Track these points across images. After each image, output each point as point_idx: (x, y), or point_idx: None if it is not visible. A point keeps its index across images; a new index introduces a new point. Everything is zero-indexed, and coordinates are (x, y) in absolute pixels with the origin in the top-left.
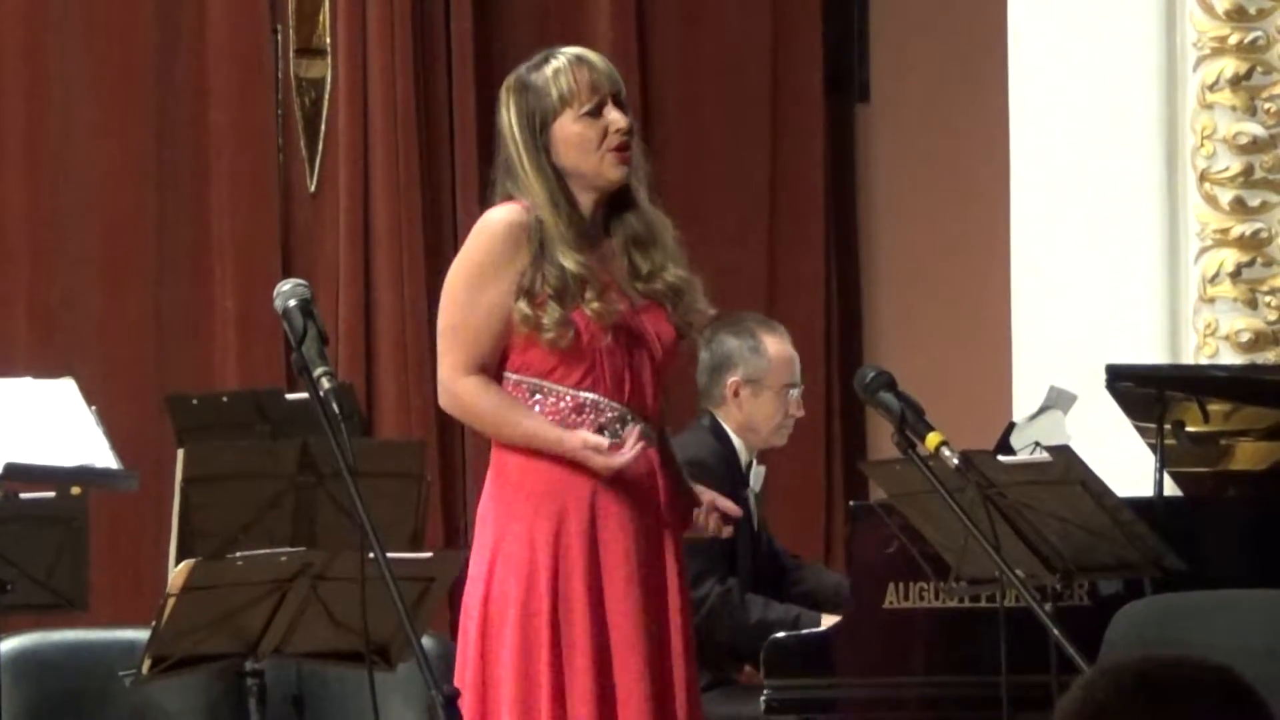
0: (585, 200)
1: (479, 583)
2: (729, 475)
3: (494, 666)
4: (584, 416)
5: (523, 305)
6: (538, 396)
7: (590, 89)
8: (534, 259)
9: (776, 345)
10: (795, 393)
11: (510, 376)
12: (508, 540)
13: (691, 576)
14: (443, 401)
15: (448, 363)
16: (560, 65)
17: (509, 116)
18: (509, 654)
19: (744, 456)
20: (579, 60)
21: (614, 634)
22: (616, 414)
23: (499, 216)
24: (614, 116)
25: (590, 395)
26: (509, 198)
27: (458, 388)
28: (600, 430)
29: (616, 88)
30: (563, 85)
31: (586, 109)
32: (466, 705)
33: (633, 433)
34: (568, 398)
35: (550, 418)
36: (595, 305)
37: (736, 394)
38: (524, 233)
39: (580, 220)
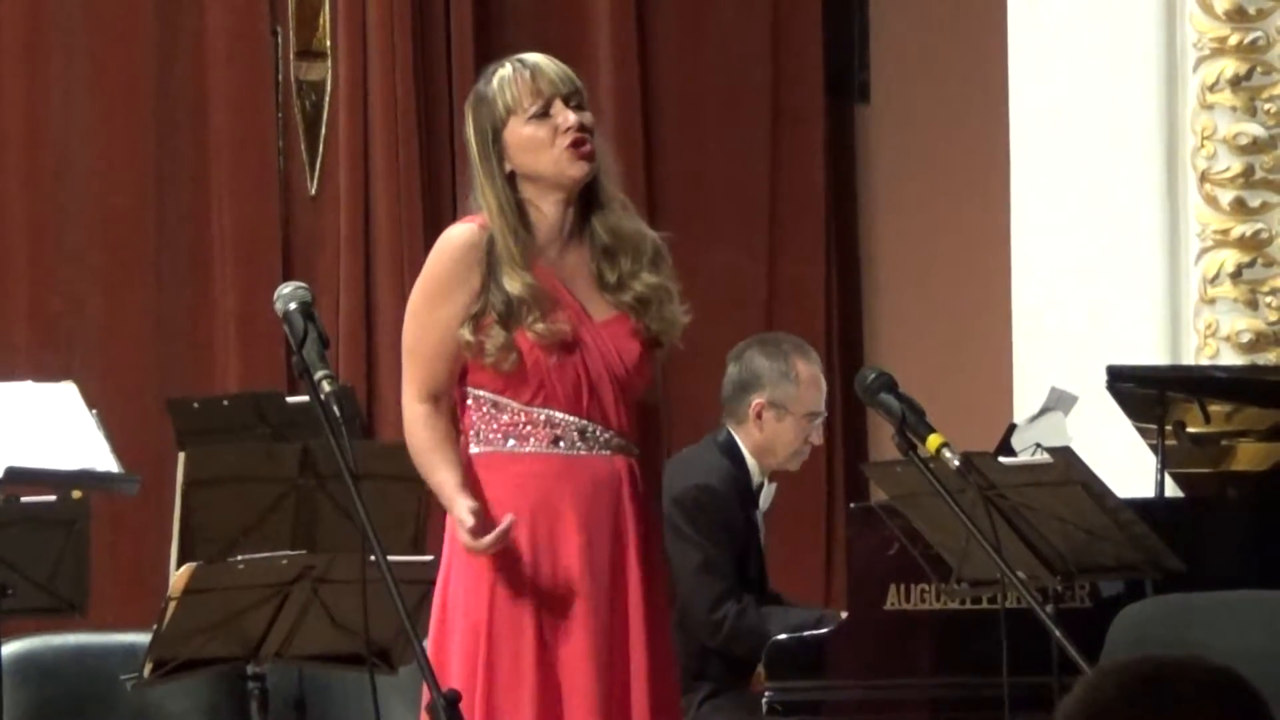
0: (551, 203)
1: (438, 590)
2: (738, 497)
3: (445, 676)
4: (539, 430)
5: (465, 332)
6: (495, 410)
7: (532, 92)
8: (484, 280)
9: (807, 370)
10: (818, 422)
11: (470, 391)
12: (460, 546)
13: (710, 601)
14: (406, 425)
15: (407, 389)
16: (504, 73)
17: (468, 132)
18: (457, 663)
19: (756, 477)
20: (522, 64)
21: (562, 644)
22: (574, 427)
23: (453, 236)
24: (561, 115)
25: (544, 411)
26: (473, 212)
27: (408, 414)
28: (555, 442)
29: (566, 89)
30: (506, 92)
31: (532, 112)
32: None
33: (505, 523)
34: (522, 414)
35: (505, 430)
36: (539, 327)
37: (760, 415)
38: (476, 253)
39: (537, 233)
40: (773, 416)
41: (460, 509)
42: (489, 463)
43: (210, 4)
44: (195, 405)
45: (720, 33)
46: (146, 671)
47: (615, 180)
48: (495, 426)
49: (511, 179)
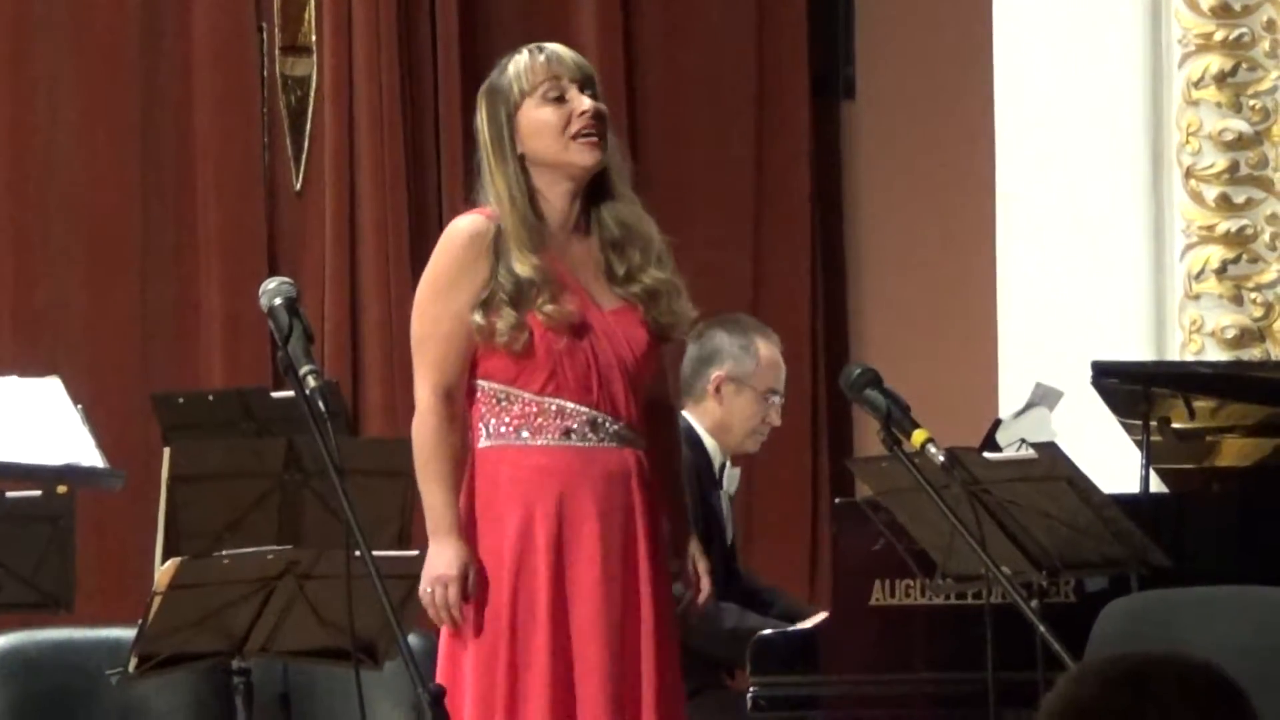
0: (559, 193)
1: None
2: (698, 481)
3: (460, 667)
4: (550, 420)
5: (477, 317)
6: (504, 403)
7: (548, 76)
8: (492, 268)
9: (767, 349)
10: (776, 400)
11: (479, 384)
12: (473, 540)
13: None
14: (416, 416)
15: (421, 380)
16: (520, 59)
17: (480, 122)
18: (471, 655)
19: (717, 458)
20: (538, 49)
21: (575, 637)
22: (585, 418)
23: (460, 226)
24: (576, 101)
25: (555, 401)
26: (478, 204)
27: (420, 405)
28: (567, 434)
29: (581, 75)
30: (523, 76)
31: (548, 95)
32: None
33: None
34: (533, 404)
35: (516, 423)
36: (548, 308)
37: (719, 389)
38: (483, 242)
39: (546, 219)
40: (732, 390)
41: (455, 558)
42: (500, 456)
43: (195, 1)
44: (180, 401)
45: (705, 30)
46: (131, 666)
47: (625, 177)
48: (506, 419)
49: (522, 162)
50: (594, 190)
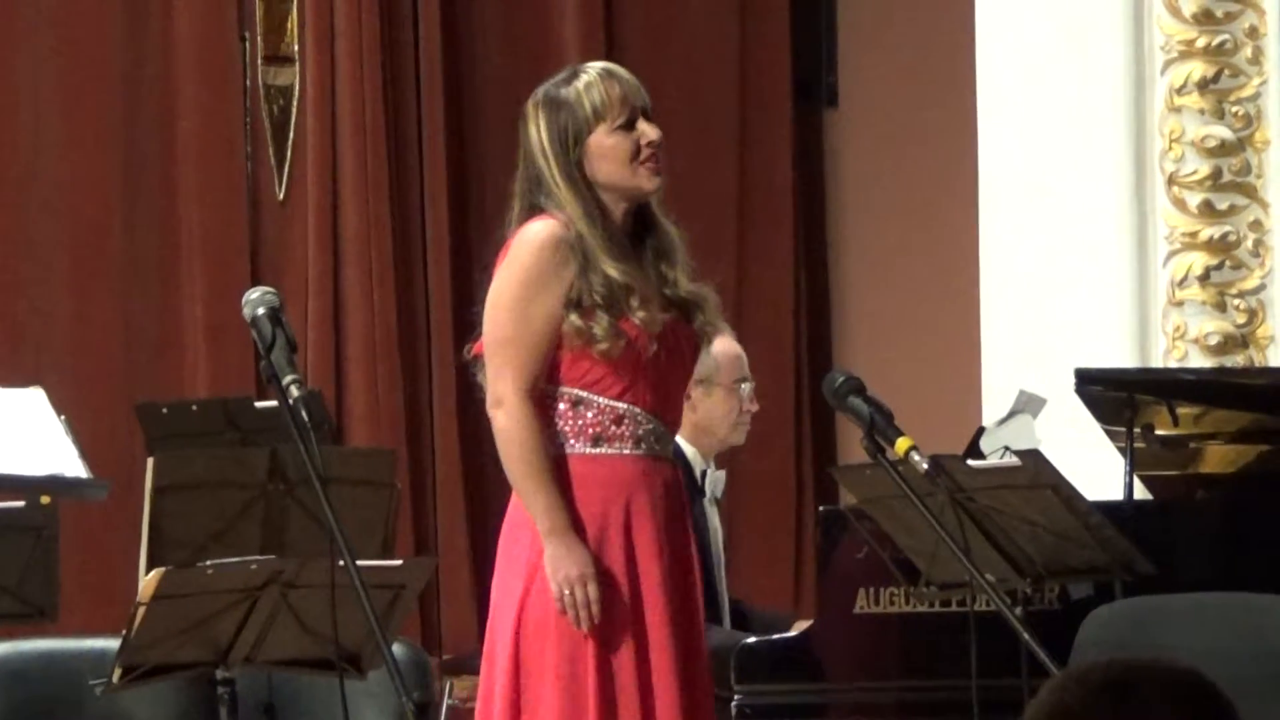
0: (617, 213)
1: (515, 594)
2: None
3: (534, 678)
4: (623, 428)
5: (574, 318)
6: (579, 408)
7: (622, 102)
8: (579, 271)
9: (721, 343)
10: (747, 387)
11: (557, 390)
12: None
13: None
14: (497, 419)
15: (509, 381)
16: (591, 79)
17: (538, 132)
18: (550, 664)
19: (698, 465)
20: (609, 74)
21: (651, 645)
22: (654, 429)
23: (541, 229)
24: (646, 129)
25: (629, 407)
26: (535, 212)
27: (511, 405)
28: (638, 443)
29: (645, 101)
30: (595, 99)
31: (620, 122)
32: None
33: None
34: (609, 409)
35: (591, 430)
36: (641, 314)
37: (689, 397)
38: (567, 245)
39: (617, 232)
40: (701, 393)
41: (584, 555)
42: (572, 465)
43: (178, 10)
44: (164, 410)
45: (688, 38)
46: (115, 677)
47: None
48: (580, 425)
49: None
50: (640, 207)
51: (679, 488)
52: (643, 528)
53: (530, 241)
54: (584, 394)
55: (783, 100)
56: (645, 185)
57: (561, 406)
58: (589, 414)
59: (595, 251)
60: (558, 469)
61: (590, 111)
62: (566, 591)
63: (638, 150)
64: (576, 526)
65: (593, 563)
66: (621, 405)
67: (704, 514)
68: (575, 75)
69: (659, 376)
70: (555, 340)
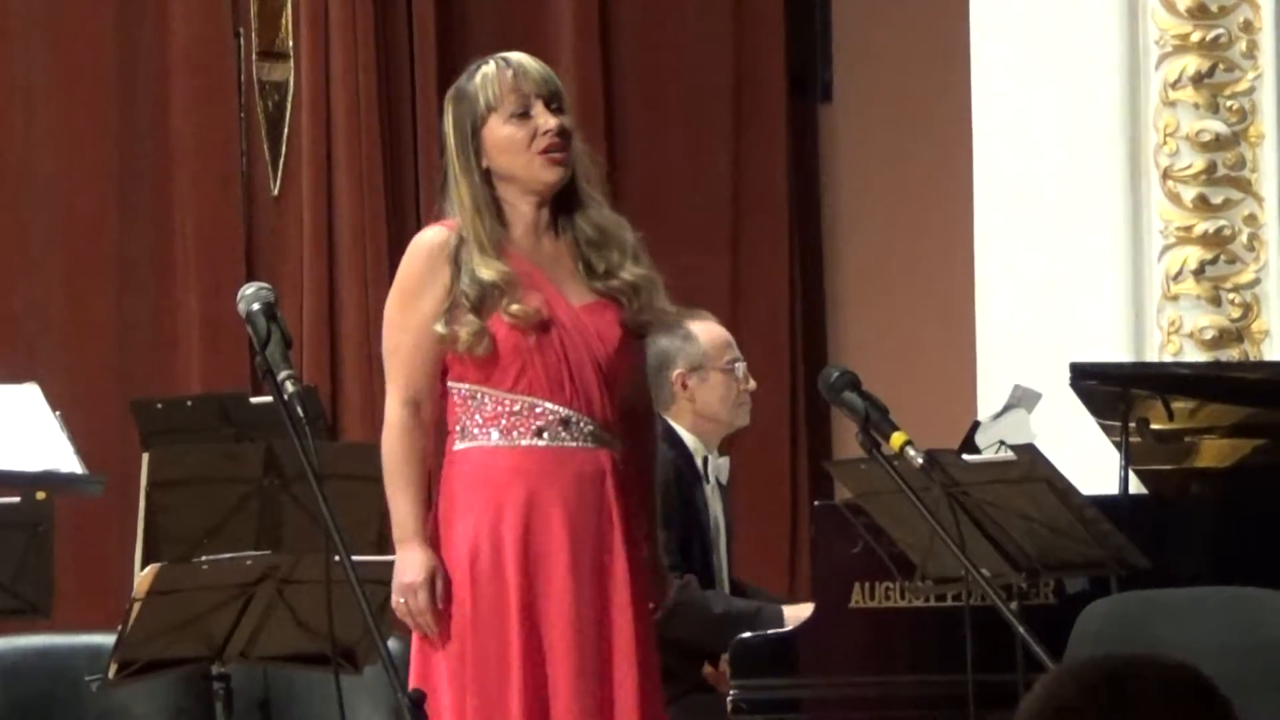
0: (525, 206)
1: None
2: (678, 479)
3: (433, 670)
4: (522, 420)
5: (439, 328)
6: (475, 402)
7: (514, 91)
8: (454, 275)
9: (706, 328)
10: (740, 367)
11: (452, 386)
12: (446, 541)
13: None
14: (384, 426)
15: (391, 392)
16: (488, 70)
17: (446, 125)
18: (442, 659)
19: (698, 453)
20: (505, 63)
21: (546, 640)
22: (558, 416)
23: (419, 239)
24: (544, 117)
25: (527, 399)
26: (443, 214)
27: (389, 417)
28: (539, 433)
29: (547, 90)
30: (489, 90)
31: (513, 111)
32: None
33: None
34: (505, 401)
35: (488, 424)
36: (513, 308)
37: (685, 386)
38: (444, 252)
39: (515, 227)
40: (696, 381)
41: (422, 564)
42: (472, 458)
43: (173, 5)
44: (159, 406)
45: (682, 33)
46: (111, 673)
47: (596, 182)
48: (479, 420)
49: (487, 175)
50: (563, 197)
51: (600, 476)
52: (542, 518)
53: (409, 253)
54: (478, 388)
55: (777, 95)
56: (544, 175)
57: (462, 402)
58: (487, 407)
59: (472, 253)
60: (467, 462)
61: (484, 103)
62: (399, 600)
63: (533, 138)
64: (466, 520)
65: (433, 570)
66: (514, 397)
67: (704, 500)
68: (477, 68)
69: (559, 365)
70: (434, 348)
